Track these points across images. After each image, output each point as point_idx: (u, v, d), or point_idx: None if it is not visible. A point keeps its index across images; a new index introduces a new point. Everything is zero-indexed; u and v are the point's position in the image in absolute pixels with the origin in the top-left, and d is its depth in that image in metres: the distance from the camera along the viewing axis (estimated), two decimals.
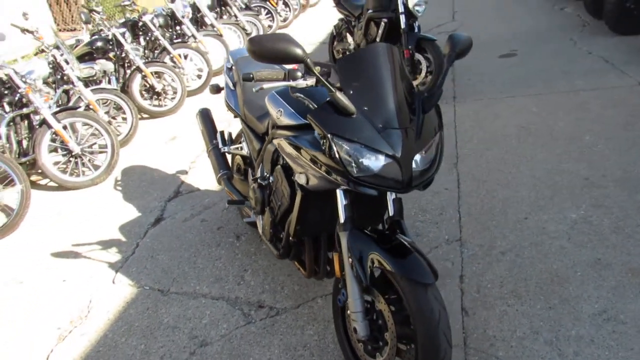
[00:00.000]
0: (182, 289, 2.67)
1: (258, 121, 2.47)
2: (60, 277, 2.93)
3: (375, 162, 1.59)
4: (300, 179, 1.86)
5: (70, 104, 4.62)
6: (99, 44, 5.46)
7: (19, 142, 4.10)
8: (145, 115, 5.64)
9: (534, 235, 2.65)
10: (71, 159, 4.11)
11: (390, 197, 1.87)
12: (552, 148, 3.51)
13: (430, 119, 1.75)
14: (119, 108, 4.97)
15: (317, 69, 1.66)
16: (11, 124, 4.04)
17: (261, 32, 7.74)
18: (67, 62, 4.62)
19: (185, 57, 6.15)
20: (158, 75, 5.57)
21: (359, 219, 1.87)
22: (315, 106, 1.73)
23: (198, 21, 7.20)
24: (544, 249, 2.54)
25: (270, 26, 8.77)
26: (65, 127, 4.06)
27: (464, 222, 2.86)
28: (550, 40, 6.10)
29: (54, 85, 4.78)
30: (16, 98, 4.04)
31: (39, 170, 4.15)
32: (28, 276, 3.00)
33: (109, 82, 5.44)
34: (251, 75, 1.88)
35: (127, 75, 5.52)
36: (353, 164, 1.60)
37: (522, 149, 3.58)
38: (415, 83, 4.64)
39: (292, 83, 1.81)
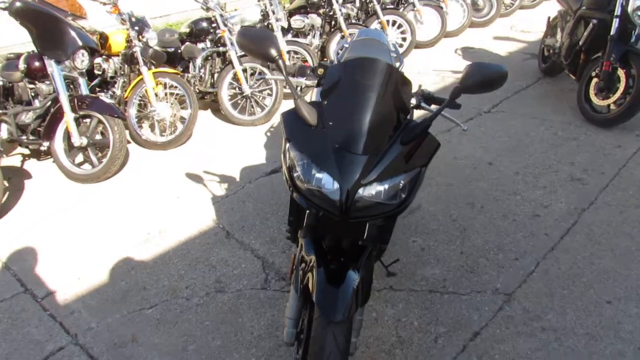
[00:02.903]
0: (242, 238, 2.97)
1: None
2: (175, 194, 3.54)
3: (316, 179, 1.54)
4: None
5: None
6: None
7: (212, 75, 4.86)
8: None
9: (599, 325, 2.13)
10: (242, 99, 4.69)
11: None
12: None
13: (410, 152, 1.57)
14: (304, 61, 5.38)
15: (300, 71, 1.64)
16: (209, 58, 4.80)
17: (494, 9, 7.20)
18: (273, 12, 5.16)
19: (394, 23, 6.18)
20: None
21: (333, 229, 1.80)
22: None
23: None
24: (598, 346, 2.03)
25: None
26: (244, 70, 4.63)
27: (532, 278, 2.44)
28: None
29: None
30: (217, 37, 4.74)
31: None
32: (157, 183, 3.69)
33: (314, 37, 5.89)
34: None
35: (329, 34, 5.87)
36: (297, 174, 1.58)
37: None
38: (605, 103, 3.85)
39: (292, 80, 1.81)
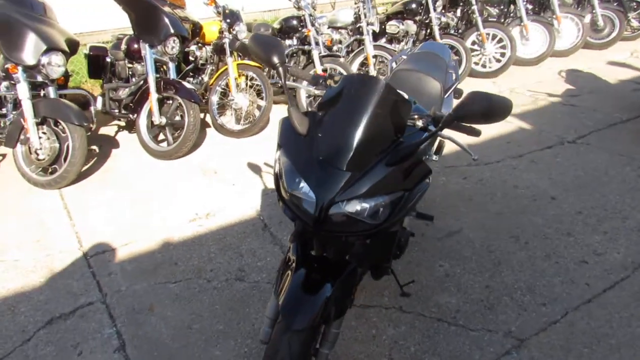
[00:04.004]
0: (276, 232, 3.07)
1: None
2: (232, 181, 3.73)
3: (297, 188, 1.56)
4: None
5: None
6: (413, 6, 5.81)
7: None
8: None
9: None
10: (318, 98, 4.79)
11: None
12: None
13: (395, 175, 1.53)
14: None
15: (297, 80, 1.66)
16: (294, 55, 4.96)
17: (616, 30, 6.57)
18: (365, 15, 5.18)
19: (494, 37, 5.89)
20: (450, 47, 5.60)
21: (318, 240, 1.82)
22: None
23: (542, 4, 6.63)
24: None
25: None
26: (325, 70, 4.72)
27: (553, 328, 2.25)
28: None
29: (350, 34, 5.47)
30: (303, 35, 4.88)
31: None
32: (221, 169, 3.91)
33: (406, 44, 5.82)
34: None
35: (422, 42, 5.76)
36: (282, 181, 1.62)
37: None
38: None
39: (305, 86, 1.84)
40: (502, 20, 6.31)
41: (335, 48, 5.34)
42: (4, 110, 4.10)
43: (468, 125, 1.61)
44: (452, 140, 1.79)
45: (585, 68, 5.94)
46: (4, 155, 4.27)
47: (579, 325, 2.26)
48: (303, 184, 1.54)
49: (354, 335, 2.27)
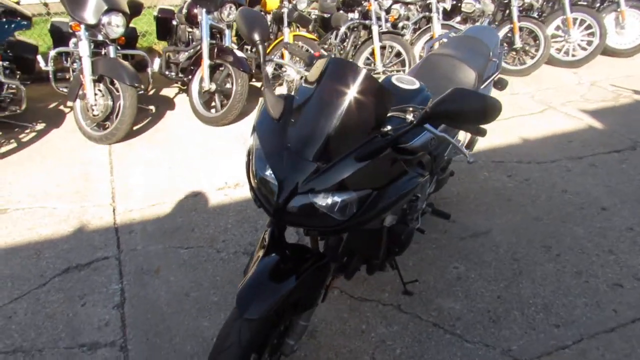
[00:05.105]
0: None
1: None
2: None
3: (263, 174, 1.50)
4: None
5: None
6: None
7: (355, 47, 4.86)
8: None
9: None
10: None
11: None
12: None
13: (365, 171, 1.42)
14: None
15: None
16: (354, 29, 4.80)
17: None
18: None
19: (582, 22, 5.34)
20: (528, 31, 5.17)
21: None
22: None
23: None
24: None
25: None
26: (383, 47, 4.53)
27: (560, 353, 2.03)
28: None
29: (419, 10, 5.19)
30: (364, 10, 4.70)
31: None
32: None
33: (482, 23, 5.44)
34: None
35: (501, 23, 5.35)
36: (252, 164, 1.56)
37: None
38: None
39: (296, 67, 1.75)
40: (596, 4, 5.69)
41: (401, 25, 5.11)
42: (75, 66, 4.36)
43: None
44: (446, 138, 1.62)
45: None
46: (71, 108, 4.56)
47: (591, 355, 2.03)
48: (269, 171, 1.47)
49: (342, 327, 2.19)
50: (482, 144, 3.74)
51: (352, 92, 1.43)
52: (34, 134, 4.15)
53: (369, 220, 1.51)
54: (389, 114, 1.56)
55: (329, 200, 1.43)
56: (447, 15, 5.53)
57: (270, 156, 1.48)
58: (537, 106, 4.49)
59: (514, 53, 5.26)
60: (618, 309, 2.25)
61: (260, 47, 1.60)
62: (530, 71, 5.19)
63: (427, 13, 5.02)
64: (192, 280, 2.49)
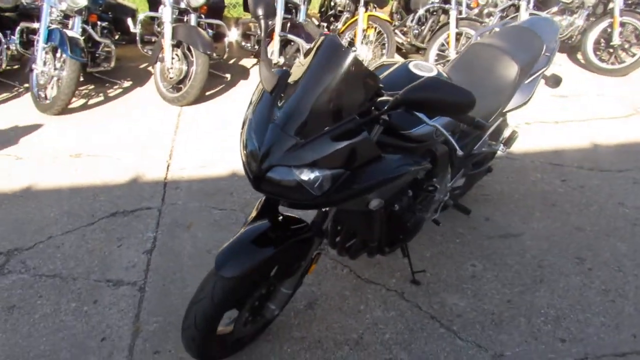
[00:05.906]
0: None
1: None
2: None
3: (250, 141, 1.58)
4: None
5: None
6: None
7: (432, 31, 4.73)
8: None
9: None
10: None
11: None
12: None
13: (342, 151, 1.45)
14: None
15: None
16: (434, 13, 4.67)
17: None
18: None
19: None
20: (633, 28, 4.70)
21: None
22: None
23: None
24: None
25: None
26: (460, 34, 4.37)
27: None
28: None
29: None
30: None
31: None
32: None
33: (579, 16, 5.03)
34: None
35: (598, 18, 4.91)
36: (243, 135, 1.65)
37: None
38: None
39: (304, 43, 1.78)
40: None
41: (486, 11, 4.87)
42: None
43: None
44: (439, 129, 1.58)
45: None
46: None
47: None
48: (255, 143, 1.55)
49: (341, 304, 2.25)
50: (543, 144, 3.53)
51: (337, 73, 1.46)
52: (120, 90, 4.57)
53: (345, 199, 1.54)
54: (381, 99, 1.56)
55: (304, 175, 1.47)
56: (543, 4, 5.19)
57: (257, 127, 1.56)
58: (623, 110, 4.11)
59: (611, 50, 4.81)
60: (639, 334, 2.08)
61: (262, 21, 1.66)
62: (628, 71, 4.73)
63: (516, 1, 4.74)
64: (217, 239, 2.66)
